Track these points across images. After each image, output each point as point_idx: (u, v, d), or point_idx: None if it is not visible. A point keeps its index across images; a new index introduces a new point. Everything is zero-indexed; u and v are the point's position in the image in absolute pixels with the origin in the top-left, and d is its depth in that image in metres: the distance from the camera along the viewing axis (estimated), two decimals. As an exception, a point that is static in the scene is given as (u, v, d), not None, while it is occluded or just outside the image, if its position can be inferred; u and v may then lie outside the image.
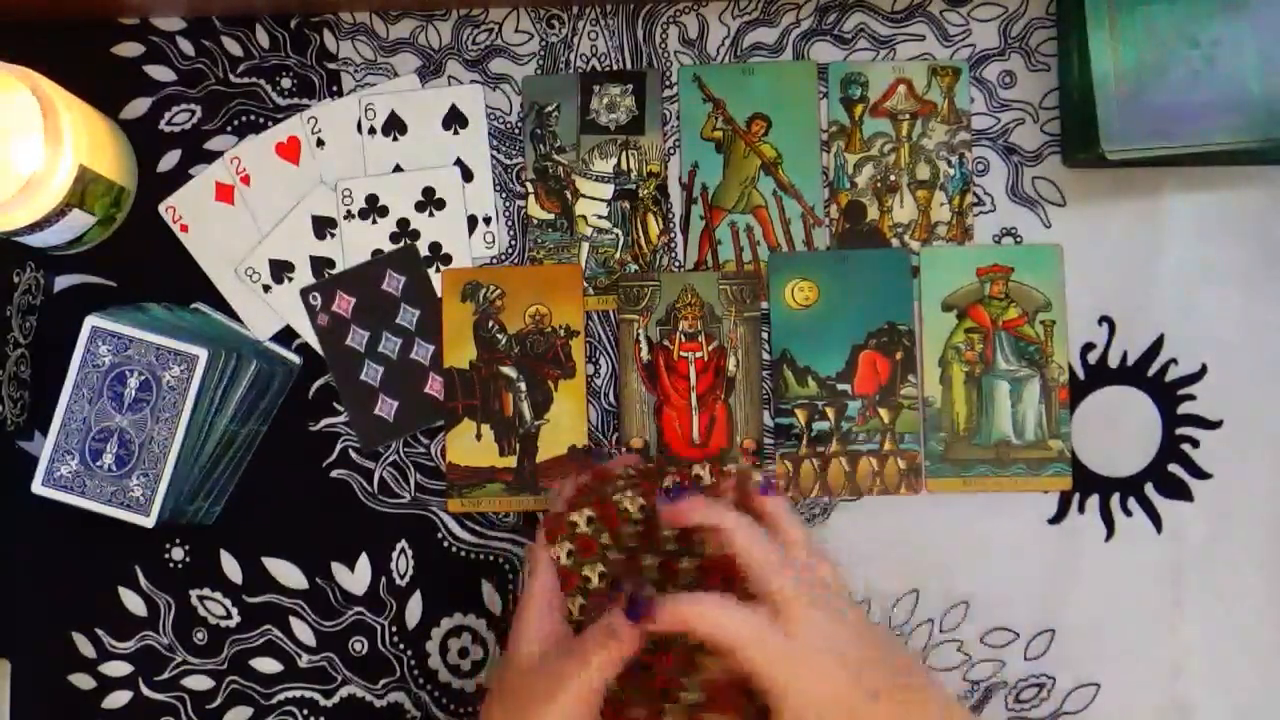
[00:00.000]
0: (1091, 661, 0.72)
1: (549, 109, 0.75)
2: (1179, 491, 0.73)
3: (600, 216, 0.74)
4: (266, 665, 0.74)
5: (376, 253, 0.74)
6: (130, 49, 0.75)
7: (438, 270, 0.74)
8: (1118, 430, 0.73)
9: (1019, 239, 0.74)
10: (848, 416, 0.73)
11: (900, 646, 0.61)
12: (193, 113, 0.75)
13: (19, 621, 0.73)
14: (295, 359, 0.74)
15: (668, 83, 0.75)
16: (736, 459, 0.73)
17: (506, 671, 0.61)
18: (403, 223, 0.74)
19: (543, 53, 0.75)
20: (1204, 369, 0.73)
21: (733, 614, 0.55)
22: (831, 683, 0.55)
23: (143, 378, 0.66)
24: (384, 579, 0.74)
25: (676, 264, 0.74)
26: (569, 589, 0.62)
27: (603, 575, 0.62)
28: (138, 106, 0.75)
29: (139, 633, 0.73)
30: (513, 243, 0.75)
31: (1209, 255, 0.73)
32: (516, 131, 0.75)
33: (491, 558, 0.74)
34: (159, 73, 0.75)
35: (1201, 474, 0.73)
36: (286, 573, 0.74)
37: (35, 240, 0.70)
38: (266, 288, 0.74)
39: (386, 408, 0.74)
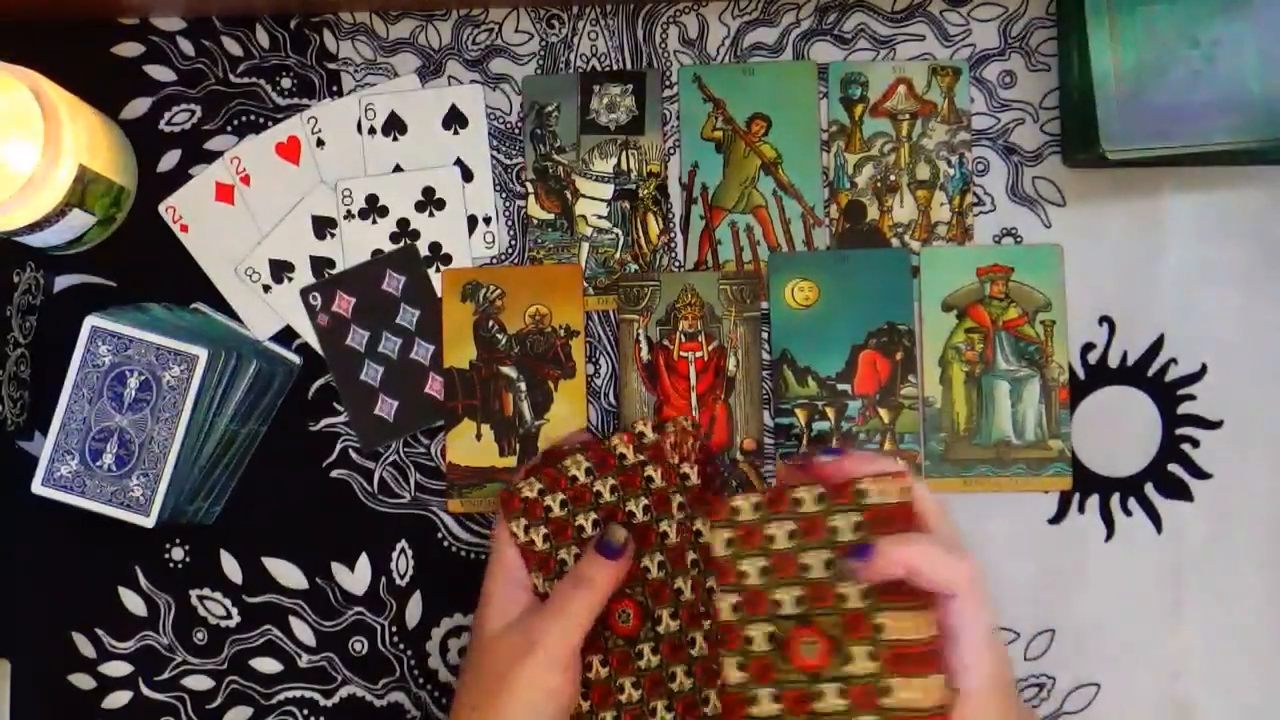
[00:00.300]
0: (1091, 661, 0.72)
1: (549, 109, 0.75)
2: (1179, 491, 0.73)
3: (600, 216, 0.74)
4: (266, 665, 0.74)
5: (376, 253, 0.74)
6: (130, 49, 0.75)
7: (438, 270, 0.74)
8: (1118, 430, 0.73)
9: (1019, 239, 0.74)
10: (848, 416, 0.73)
11: None
12: (193, 113, 0.75)
13: (19, 621, 0.73)
14: (295, 359, 0.74)
15: (668, 83, 0.75)
16: (736, 459, 0.73)
17: (474, 648, 0.61)
18: (403, 223, 0.74)
19: (543, 53, 0.75)
20: (1204, 369, 0.73)
21: (954, 556, 0.52)
22: (1002, 653, 0.54)
23: (143, 378, 0.66)
24: (384, 579, 0.74)
25: (676, 264, 0.74)
26: (530, 564, 0.63)
27: (546, 538, 0.62)
28: (138, 106, 0.75)
29: (139, 633, 0.73)
30: (513, 243, 0.75)
31: (1209, 255, 0.73)
32: (516, 131, 0.75)
33: (491, 558, 0.74)
34: (159, 73, 0.75)
35: (1201, 474, 0.73)
36: (286, 573, 0.74)
37: (35, 240, 0.70)
38: (266, 288, 0.74)
39: (386, 408, 0.74)
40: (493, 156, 0.75)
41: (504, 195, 0.75)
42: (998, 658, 0.54)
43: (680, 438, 0.64)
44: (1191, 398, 0.73)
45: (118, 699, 0.73)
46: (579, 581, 0.59)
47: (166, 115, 0.75)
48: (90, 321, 0.66)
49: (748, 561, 0.56)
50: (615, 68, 0.75)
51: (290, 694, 0.74)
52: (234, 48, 0.75)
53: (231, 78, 0.75)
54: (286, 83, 0.75)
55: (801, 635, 0.54)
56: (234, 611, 0.74)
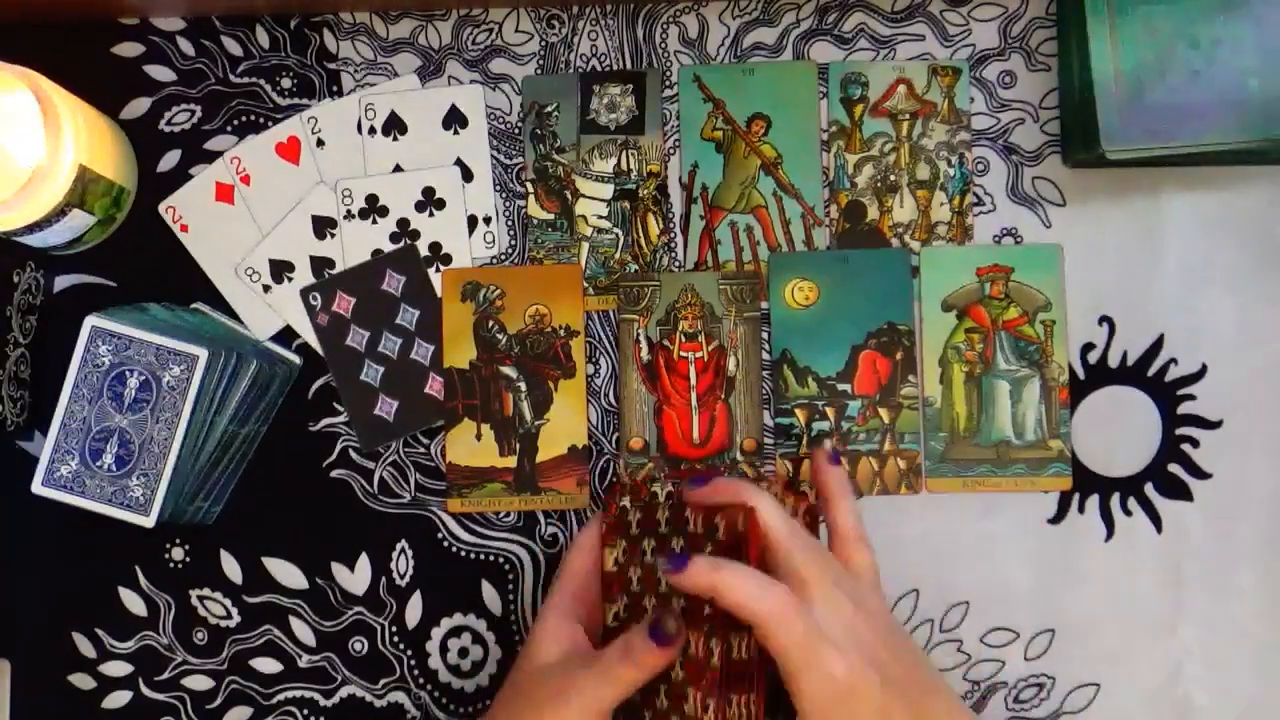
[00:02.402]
0: (1091, 661, 0.72)
1: (549, 109, 0.75)
2: (1179, 491, 0.73)
3: (600, 216, 0.74)
4: (266, 665, 0.74)
5: (376, 253, 0.74)
6: (130, 49, 0.75)
7: (438, 270, 0.74)
8: (1118, 430, 0.73)
9: (1019, 239, 0.74)
10: (848, 416, 0.73)
11: (913, 644, 0.62)
12: (193, 113, 0.75)
13: (19, 621, 0.73)
14: (295, 359, 0.74)
15: (668, 83, 0.75)
16: (737, 459, 0.73)
17: (519, 670, 0.61)
18: (403, 223, 0.74)
19: (543, 53, 0.75)
20: (1204, 369, 0.73)
21: (760, 586, 0.55)
22: (847, 667, 0.55)
23: (143, 378, 0.66)
24: (384, 579, 0.74)
25: (676, 264, 0.74)
26: (611, 592, 0.63)
27: (640, 580, 0.62)
28: (138, 106, 0.75)
29: (139, 633, 0.73)
30: (513, 243, 0.75)
31: (1209, 255, 0.73)
32: (516, 131, 0.75)
33: (491, 558, 0.74)
34: (159, 73, 0.75)
35: (1201, 474, 0.73)
36: (286, 573, 0.74)
37: (35, 240, 0.70)
38: (266, 288, 0.74)
39: (386, 408, 0.74)
40: (493, 156, 0.75)
41: (504, 195, 0.75)
42: (825, 686, 0.55)
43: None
44: (1191, 398, 0.73)
45: (118, 699, 0.73)
46: (627, 655, 0.59)
47: (166, 115, 0.75)
48: (90, 321, 0.66)
49: (632, 569, 0.62)
50: (615, 68, 0.75)
51: (290, 694, 0.74)
52: (234, 48, 0.75)
53: (231, 78, 0.75)
54: (286, 83, 0.75)
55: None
56: (234, 611, 0.74)
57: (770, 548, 0.58)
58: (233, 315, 0.74)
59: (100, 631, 0.73)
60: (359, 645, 0.74)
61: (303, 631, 0.74)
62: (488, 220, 0.75)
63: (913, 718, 0.57)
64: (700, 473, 0.62)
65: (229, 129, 0.75)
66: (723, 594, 0.55)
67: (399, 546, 0.74)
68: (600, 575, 0.63)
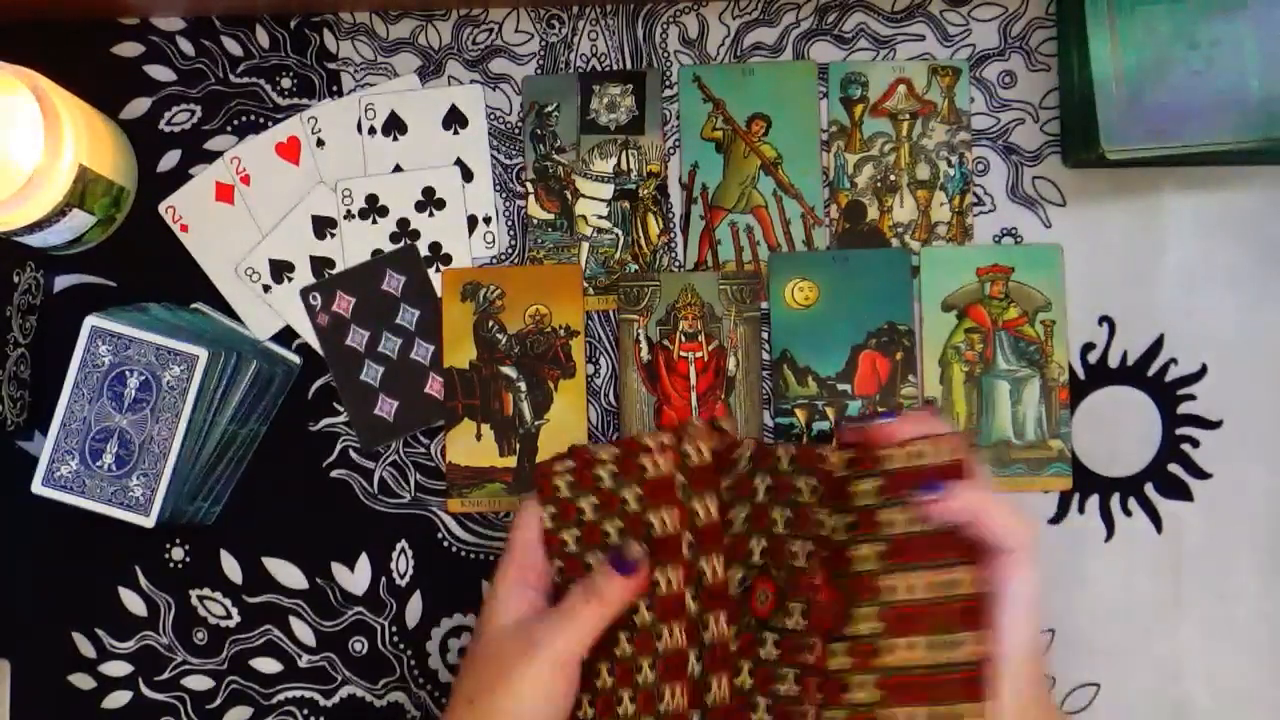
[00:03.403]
0: (1091, 661, 0.72)
1: (549, 109, 0.75)
2: (1179, 491, 0.73)
3: (600, 216, 0.74)
4: (266, 665, 0.74)
5: (376, 253, 0.74)
6: (130, 49, 0.75)
7: (438, 270, 0.74)
8: (1118, 430, 0.73)
9: (1019, 239, 0.74)
10: (848, 416, 0.73)
11: None
12: (193, 113, 0.75)
13: (19, 621, 0.73)
14: (295, 359, 0.74)
15: (668, 83, 0.75)
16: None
17: (477, 641, 0.60)
18: (403, 223, 0.74)
19: (543, 53, 0.75)
20: (1204, 369, 0.73)
21: (1019, 512, 0.54)
22: (1038, 627, 0.55)
23: (143, 378, 0.66)
24: (384, 579, 0.74)
25: (676, 264, 0.74)
26: (552, 552, 0.62)
27: (578, 540, 0.61)
28: (138, 106, 0.75)
29: (139, 633, 0.73)
30: (513, 243, 0.75)
31: (1209, 255, 0.73)
32: (516, 131, 0.75)
33: (491, 558, 0.74)
34: (159, 73, 0.75)
35: (1201, 474, 0.73)
36: (286, 573, 0.74)
37: (35, 240, 0.70)
38: (266, 288, 0.74)
39: (386, 408, 0.74)
40: (493, 156, 0.75)
41: (504, 195, 0.75)
42: (1036, 632, 0.55)
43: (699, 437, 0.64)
44: (1191, 398, 0.73)
45: (118, 699, 0.73)
46: (590, 593, 0.58)
47: (166, 115, 0.75)
48: (90, 321, 0.66)
49: (737, 509, 0.61)
50: (615, 68, 0.75)
51: (290, 694, 0.74)
52: (234, 48, 0.75)
53: (231, 78, 0.75)
54: (286, 83, 0.75)
55: (760, 585, 0.59)
56: (234, 611, 0.74)
57: (972, 476, 0.56)
58: (233, 315, 0.74)
59: (100, 631, 0.73)
60: (359, 645, 0.74)
61: (303, 631, 0.74)
62: (488, 220, 0.75)
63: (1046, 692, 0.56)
64: (886, 411, 0.60)
65: (229, 129, 0.75)
66: (984, 516, 0.53)
67: (399, 546, 0.74)
68: (544, 543, 0.62)
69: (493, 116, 0.75)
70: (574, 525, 0.61)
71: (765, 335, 0.74)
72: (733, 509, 0.61)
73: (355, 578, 0.74)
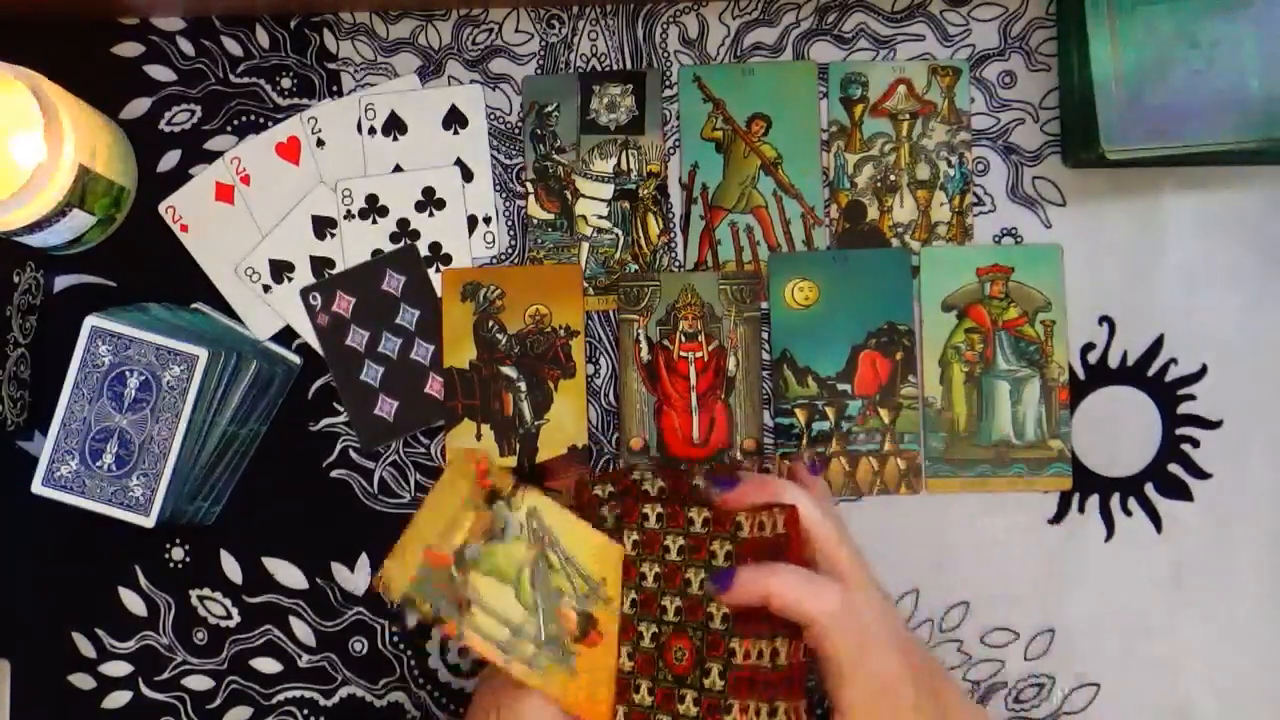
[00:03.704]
0: (1091, 661, 0.72)
1: (549, 109, 0.75)
2: (1179, 491, 0.73)
3: (600, 216, 0.74)
4: (266, 665, 0.74)
5: (376, 253, 0.74)
6: (130, 49, 0.75)
7: (438, 270, 0.74)
8: (1118, 430, 0.73)
9: (1019, 239, 0.74)
10: (848, 416, 0.73)
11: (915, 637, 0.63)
12: (193, 113, 0.75)
13: (19, 621, 0.73)
14: (295, 359, 0.74)
15: (668, 83, 0.75)
16: (736, 459, 0.73)
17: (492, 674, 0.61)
18: (403, 223, 0.74)
19: (543, 53, 0.75)
20: (1204, 369, 0.73)
21: (815, 587, 0.55)
22: (887, 665, 0.55)
23: (143, 378, 0.66)
24: (384, 579, 0.74)
25: (676, 264, 0.74)
26: (627, 580, 0.62)
27: (657, 577, 0.61)
28: (138, 106, 0.75)
29: (139, 633, 0.74)
30: (513, 243, 0.75)
31: (1209, 255, 0.73)
32: (516, 131, 0.75)
33: (491, 558, 0.74)
34: (159, 73, 0.75)
35: (1201, 474, 0.73)
36: (286, 573, 0.74)
37: (35, 240, 0.70)
38: (266, 288, 0.74)
39: (386, 408, 0.74)
40: (493, 156, 0.75)
41: (504, 195, 0.75)
42: (869, 683, 0.55)
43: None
44: (1191, 398, 0.73)
45: (118, 699, 0.73)
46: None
47: (166, 115, 0.75)
48: (90, 321, 0.66)
49: (646, 565, 0.61)
50: (615, 68, 0.75)
51: (290, 694, 0.74)
52: (234, 48, 0.75)
53: (231, 78, 0.75)
54: (286, 83, 0.75)
55: (675, 642, 0.60)
56: (234, 611, 0.74)
57: (811, 543, 0.58)
58: (233, 315, 0.74)
59: (100, 631, 0.73)
60: (359, 645, 0.74)
61: (303, 631, 0.74)
62: (488, 220, 0.75)
63: (937, 710, 0.57)
64: (722, 473, 0.62)
65: (229, 129, 0.75)
66: (776, 598, 0.55)
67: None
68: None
69: (493, 116, 0.75)
70: (657, 561, 0.62)
71: (765, 335, 0.74)
72: (642, 565, 0.62)
73: (355, 578, 0.74)
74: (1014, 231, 0.74)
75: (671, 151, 0.75)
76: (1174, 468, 0.73)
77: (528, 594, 0.58)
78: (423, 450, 0.74)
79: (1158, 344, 0.73)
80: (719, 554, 0.60)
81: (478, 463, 0.60)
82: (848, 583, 0.57)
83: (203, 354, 0.66)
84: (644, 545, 0.62)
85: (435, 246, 0.74)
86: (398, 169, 0.74)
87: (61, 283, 0.75)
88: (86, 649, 0.73)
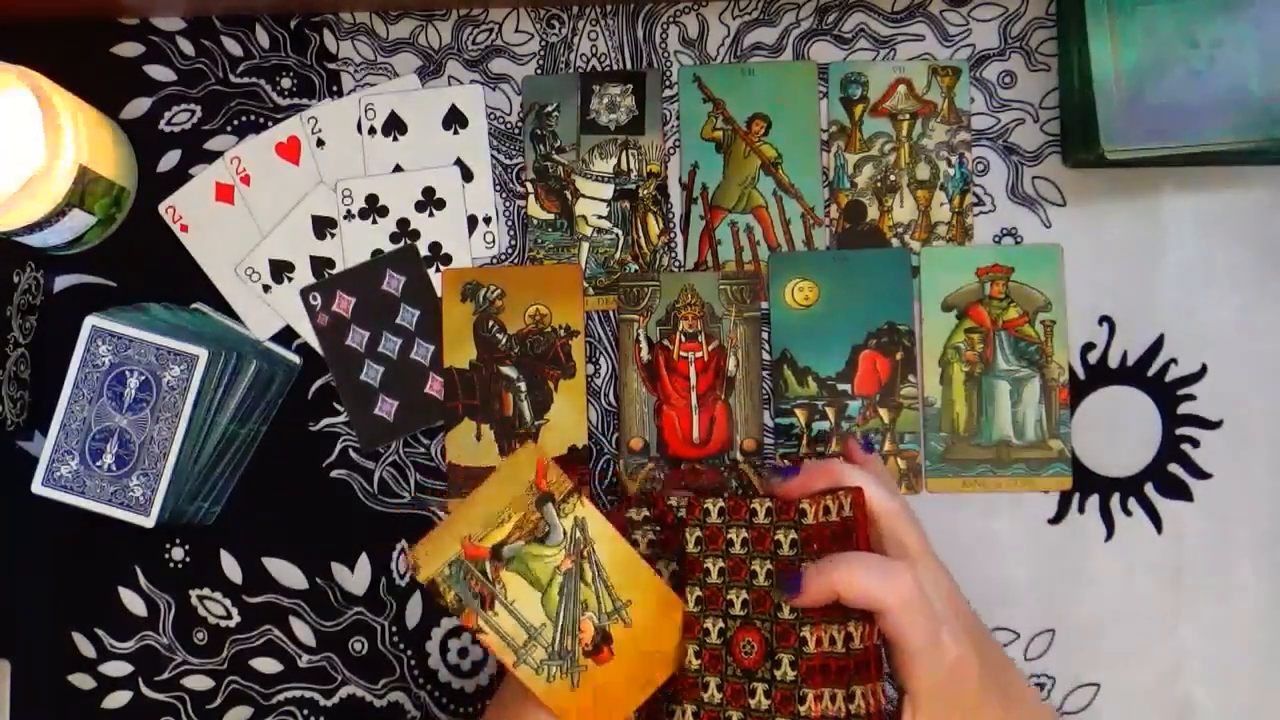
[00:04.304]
0: (1091, 661, 0.72)
1: (549, 109, 0.75)
2: (1179, 491, 0.73)
3: (600, 216, 0.74)
4: (266, 665, 0.74)
5: (376, 253, 0.74)
6: (130, 49, 0.75)
7: (438, 270, 0.74)
8: (1118, 430, 0.73)
9: (1019, 239, 0.74)
10: (848, 416, 0.73)
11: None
12: (193, 113, 0.75)
13: (19, 621, 0.73)
14: (295, 359, 0.74)
15: (668, 83, 0.75)
16: (737, 459, 0.73)
17: (505, 680, 0.61)
18: (403, 223, 0.74)
19: (543, 53, 0.75)
20: (1204, 369, 0.73)
21: (883, 573, 0.54)
22: (958, 646, 0.55)
23: (143, 378, 0.66)
24: (384, 579, 0.74)
25: (676, 264, 0.74)
26: (691, 578, 0.62)
27: (721, 571, 0.61)
28: (138, 106, 0.75)
29: (139, 633, 0.74)
30: (513, 243, 0.75)
31: (1209, 255, 0.73)
32: (516, 131, 0.75)
33: (491, 558, 0.74)
34: (159, 73, 0.75)
35: (1201, 474, 0.73)
36: (286, 573, 0.74)
37: (35, 240, 0.70)
38: (266, 288, 0.74)
39: (386, 408, 0.74)
40: (493, 156, 0.75)
41: (504, 195, 0.75)
42: (940, 665, 0.55)
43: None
44: (1191, 398, 0.73)
45: (118, 699, 0.73)
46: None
47: (166, 115, 0.75)
48: (90, 321, 0.66)
49: (711, 560, 0.61)
50: (615, 68, 0.75)
51: (290, 694, 0.74)
52: (234, 48, 0.75)
53: (231, 78, 0.75)
54: (286, 83, 0.75)
55: (743, 636, 0.59)
56: (234, 611, 0.74)
57: (878, 524, 0.57)
58: (233, 315, 0.74)
59: (100, 631, 0.73)
60: (359, 645, 0.74)
61: (303, 631, 0.74)
62: (488, 220, 0.75)
63: (1000, 691, 0.57)
64: (784, 464, 0.60)
65: (229, 129, 0.75)
66: (846, 589, 0.54)
67: (399, 546, 0.74)
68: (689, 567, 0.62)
69: (493, 116, 0.75)
70: (721, 556, 0.61)
71: (765, 335, 0.74)
72: (706, 560, 0.61)
73: (355, 578, 0.74)
74: (1014, 231, 0.74)
75: (671, 151, 0.75)
76: (1174, 468, 0.73)
77: (554, 602, 0.58)
78: (423, 450, 0.74)
79: (1158, 344, 0.73)
80: (784, 543, 0.59)
81: (539, 460, 0.60)
82: (916, 563, 0.56)
83: (203, 354, 0.66)
84: (707, 541, 0.61)
85: (435, 246, 0.74)
86: (398, 169, 0.74)
87: (61, 283, 0.75)
88: (86, 649, 0.73)
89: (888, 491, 0.58)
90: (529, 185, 0.75)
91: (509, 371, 0.74)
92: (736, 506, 0.61)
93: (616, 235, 0.74)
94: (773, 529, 0.59)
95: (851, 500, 0.57)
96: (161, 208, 0.74)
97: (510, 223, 0.75)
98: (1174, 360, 0.73)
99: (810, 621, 0.57)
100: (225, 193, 0.74)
